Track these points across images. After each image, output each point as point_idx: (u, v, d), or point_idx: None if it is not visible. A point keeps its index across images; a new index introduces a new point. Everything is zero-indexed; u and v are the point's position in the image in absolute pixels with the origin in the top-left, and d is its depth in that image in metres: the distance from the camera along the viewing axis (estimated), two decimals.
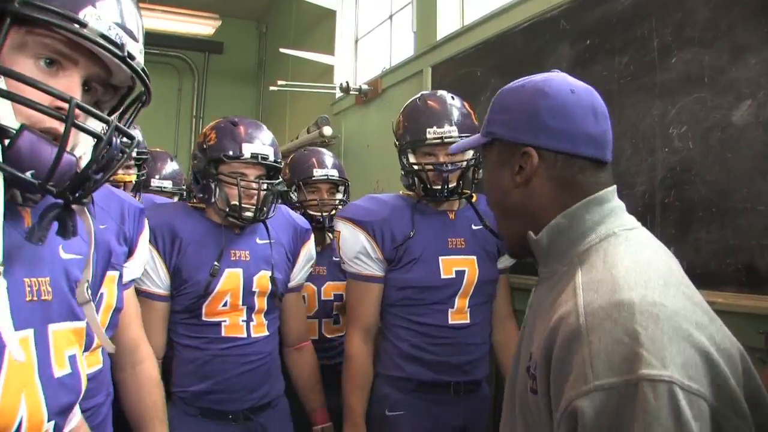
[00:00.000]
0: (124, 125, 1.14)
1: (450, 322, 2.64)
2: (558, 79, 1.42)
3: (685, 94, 2.50)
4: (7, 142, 0.96)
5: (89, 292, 1.20)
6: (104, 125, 1.07)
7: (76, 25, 1.00)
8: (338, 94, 6.18)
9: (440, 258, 2.67)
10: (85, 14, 1.01)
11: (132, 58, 1.08)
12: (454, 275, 2.66)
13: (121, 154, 1.09)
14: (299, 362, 2.96)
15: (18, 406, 1.02)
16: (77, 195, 1.05)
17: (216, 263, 2.58)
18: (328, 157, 3.57)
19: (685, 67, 2.51)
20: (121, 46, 1.06)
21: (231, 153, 2.58)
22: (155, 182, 3.96)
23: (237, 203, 2.56)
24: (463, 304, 2.68)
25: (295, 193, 3.44)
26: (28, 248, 1.08)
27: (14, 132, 0.97)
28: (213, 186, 2.60)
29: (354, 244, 2.70)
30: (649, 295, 1.09)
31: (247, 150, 2.59)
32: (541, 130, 1.35)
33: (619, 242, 1.27)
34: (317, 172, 3.42)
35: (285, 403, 2.87)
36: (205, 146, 2.65)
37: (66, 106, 0.98)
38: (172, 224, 2.62)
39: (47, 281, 1.12)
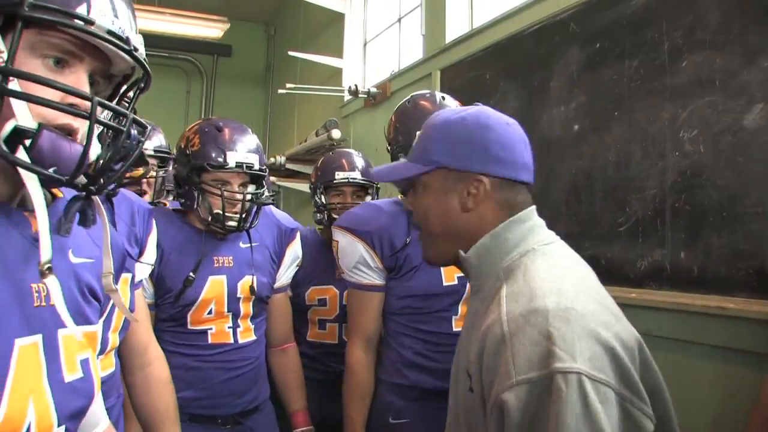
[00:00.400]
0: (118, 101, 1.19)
1: (454, 329, 2.58)
2: (491, 112, 1.58)
3: (696, 97, 2.49)
4: (28, 142, 0.98)
5: (113, 280, 1.20)
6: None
7: (83, 23, 1.02)
8: (347, 97, 6.17)
9: None
10: (90, 11, 1.02)
11: (136, 50, 1.11)
12: (456, 282, 2.57)
13: (137, 144, 1.12)
14: (283, 363, 2.94)
15: (26, 411, 1.02)
16: (99, 186, 1.08)
17: (191, 274, 2.53)
18: (356, 160, 3.50)
19: (696, 71, 2.50)
20: (126, 40, 1.08)
21: (215, 162, 2.52)
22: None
23: (220, 212, 2.51)
24: (467, 311, 2.64)
25: (322, 196, 3.42)
26: (36, 253, 1.07)
27: (34, 132, 0.99)
28: (195, 193, 2.55)
29: (352, 254, 2.62)
30: (562, 302, 1.26)
31: (232, 159, 2.52)
32: (491, 159, 1.50)
33: (537, 256, 1.44)
34: (339, 175, 3.38)
35: (271, 407, 2.87)
36: (188, 152, 2.59)
37: (77, 101, 1.02)
38: None
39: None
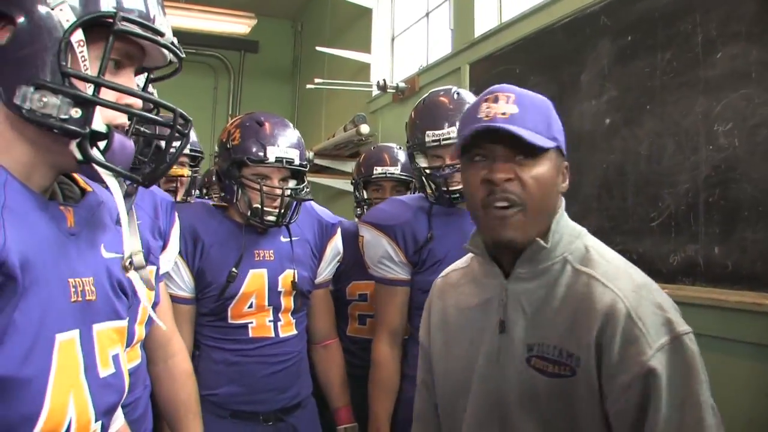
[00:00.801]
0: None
1: None
2: None
3: (731, 90, 2.45)
4: (102, 145, 1.07)
5: (145, 258, 1.25)
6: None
7: (159, 37, 1.13)
8: (375, 92, 6.17)
9: None
10: (155, 21, 1.12)
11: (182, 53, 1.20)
12: None
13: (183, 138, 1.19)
14: (326, 360, 2.92)
15: (67, 406, 1.04)
16: (152, 178, 1.18)
17: (234, 269, 2.53)
18: (397, 154, 3.51)
19: (730, 63, 2.46)
20: (178, 47, 1.18)
21: (255, 156, 2.52)
22: None
23: (259, 206, 2.51)
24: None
25: (363, 191, 3.41)
26: (72, 248, 1.11)
27: (106, 134, 1.07)
28: (235, 188, 2.55)
29: (377, 248, 2.64)
30: (643, 276, 1.50)
31: (272, 153, 2.51)
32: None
33: (589, 238, 1.60)
34: (377, 170, 3.38)
35: (314, 404, 2.85)
36: (228, 146, 2.59)
37: (132, 101, 1.12)
38: (193, 226, 2.57)
39: (91, 281, 1.15)
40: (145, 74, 1.27)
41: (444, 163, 2.56)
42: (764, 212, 2.32)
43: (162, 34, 1.12)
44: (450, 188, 2.54)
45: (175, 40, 1.17)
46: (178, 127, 1.13)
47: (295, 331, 2.71)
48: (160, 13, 1.14)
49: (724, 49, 2.50)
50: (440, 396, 1.78)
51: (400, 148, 3.58)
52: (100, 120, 1.06)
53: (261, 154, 2.51)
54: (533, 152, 1.49)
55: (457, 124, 2.52)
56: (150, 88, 1.39)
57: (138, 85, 1.23)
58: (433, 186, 2.60)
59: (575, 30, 3.36)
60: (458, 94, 2.69)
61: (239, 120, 2.68)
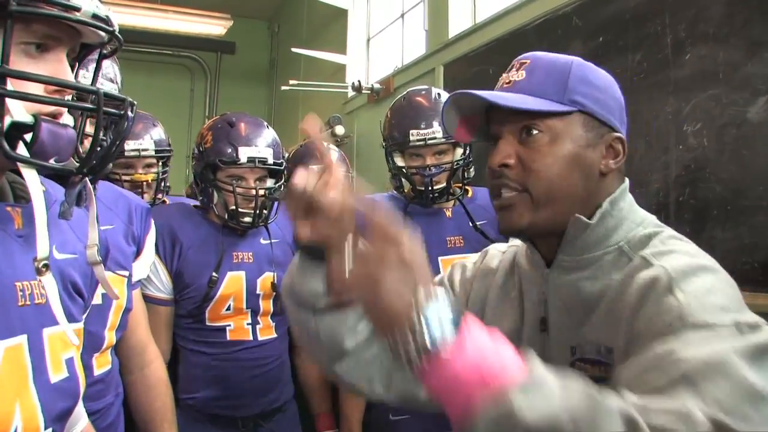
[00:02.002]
0: (93, 77, 1.16)
1: None
2: None
3: (700, 90, 2.48)
4: (28, 136, 0.98)
5: (99, 253, 1.16)
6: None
7: (76, 13, 1.00)
8: (350, 93, 6.18)
9: (439, 258, 2.57)
10: None
11: (113, 25, 1.09)
12: None
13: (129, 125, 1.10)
14: (307, 365, 2.85)
15: (12, 414, 1.00)
16: (94, 167, 1.07)
17: (214, 273, 2.50)
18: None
19: (699, 64, 2.49)
20: (108, 20, 1.06)
21: (227, 158, 2.47)
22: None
23: (235, 208, 2.48)
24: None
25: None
26: (19, 251, 1.06)
27: (32, 125, 0.97)
28: (211, 190, 2.52)
29: None
30: (714, 264, 1.12)
31: (244, 154, 2.47)
32: (624, 122, 1.30)
33: (657, 228, 1.25)
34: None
35: (295, 408, 2.81)
36: (201, 149, 2.57)
37: (61, 90, 1.02)
38: (172, 227, 2.54)
39: (39, 284, 1.09)
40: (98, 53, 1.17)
41: (424, 162, 2.57)
42: (733, 211, 2.35)
43: (77, 9, 1.00)
44: (434, 187, 2.55)
45: (109, 12, 1.07)
46: (111, 109, 1.05)
47: (274, 335, 2.67)
48: None
49: (692, 50, 2.53)
50: None
51: (329, 145, 3.57)
52: (22, 110, 0.97)
53: (233, 155, 2.48)
54: (543, 125, 1.23)
55: (438, 123, 2.53)
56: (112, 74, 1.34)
57: (93, 70, 1.16)
58: (413, 185, 2.61)
59: (548, 31, 3.39)
60: (439, 95, 2.69)
61: (212, 122, 2.66)
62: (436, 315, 0.85)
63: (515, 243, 1.50)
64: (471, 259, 1.60)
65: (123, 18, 7.46)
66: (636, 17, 2.80)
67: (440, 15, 4.70)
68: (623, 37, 2.86)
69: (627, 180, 1.30)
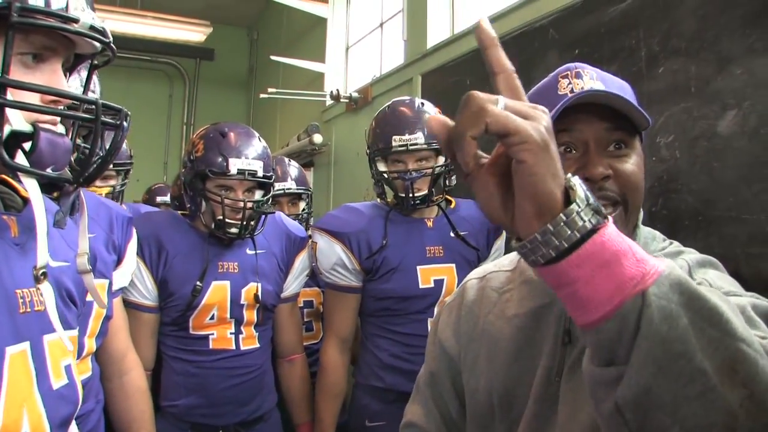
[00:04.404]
0: (84, 86, 1.18)
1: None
2: None
3: (672, 103, 2.52)
4: (28, 146, 0.99)
5: (89, 262, 1.18)
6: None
7: (74, 24, 1.03)
8: (328, 101, 6.19)
9: (418, 267, 2.62)
10: (68, 8, 1.02)
11: (108, 37, 1.11)
12: (432, 284, 2.61)
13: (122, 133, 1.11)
14: (290, 375, 2.89)
15: (21, 421, 1.00)
16: (88, 177, 1.08)
17: (198, 283, 2.51)
18: (287, 168, 3.55)
19: (672, 77, 2.53)
20: (104, 32, 1.08)
21: (217, 168, 2.49)
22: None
23: (222, 218, 2.49)
24: None
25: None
26: (17, 259, 1.07)
27: (31, 134, 0.99)
28: (199, 200, 2.53)
29: (331, 255, 2.64)
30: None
31: (234, 166, 2.49)
32: None
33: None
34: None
35: (277, 417, 2.82)
36: (192, 157, 2.57)
37: (57, 100, 1.03)
38: (158, 235, 2.54)
39: (38, 291, 1.09)
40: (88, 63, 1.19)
41: (406, 167, 2.59)
42: (703, 221, 2.39)
43: (75, 21, 1.03)
44: (414, 194, 2.57)
45: (104, 24, 1.10)
46: (107, 119, 1.07)
47: (257, 345, 2.68)
48: None
49: (666, 63, 2.57)
50: (470, 415, 1.45)
51: (290, 161, 3.62)
52: (21, 119, 0.99)
53: (223, 165, 2.49)
54: (627, 138, 1.27)
55: (422, 131, 2.57)
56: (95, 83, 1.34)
57: (83, 79, 1.18)
58: (395, 190, 2.63)
59: (525, 43, 3.42)
60: (422, 104, 2.72)
61: (204, 131, 2.65)
62: (585, 188, 0.79)
63: (506, 264, 1.50)
64: (450, 298, 1.60)
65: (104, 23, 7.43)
66: (611, 31, 2.84)
67: (419, 25, 4.73)
68: (598, 50, 2.90)
69: None
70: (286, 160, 3.63)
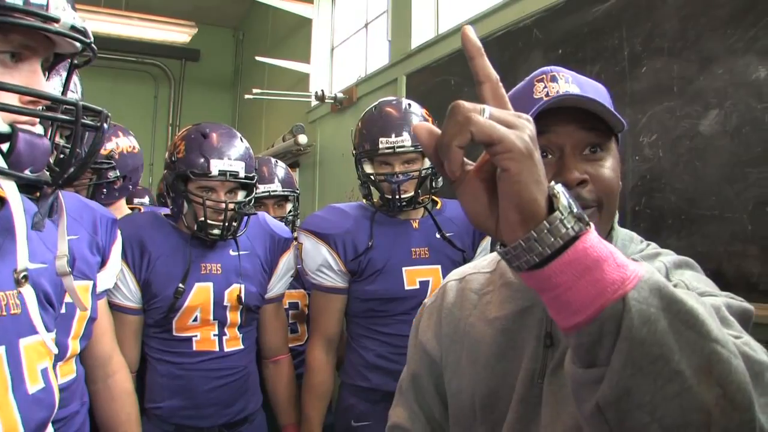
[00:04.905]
0: (64, 87, 1.16)
1: None
2: None
3: (655, 103, 2.53)
4: (5, 146, 0.97)
5: (69, 264, 1.17)
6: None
7: (55, 24, 1.01)
8: (314, 102, 6.19)
9: (404, 269, 2.60)
10: (54, 7, 1.01)
11: (89, 37, 1.09)
12: (418, 286, 2.60)
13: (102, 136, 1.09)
14: (275, 376, 2.87)
15: None
16: (67, 178, 1.06)
17: (181, 285, 2.49)
18: (274, 168, 3.52)
19: (654, 77, 2.55)
20: (85, 32, 1.07)
21: (198, 170, 2.46)
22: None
23: (204, 220, 2.47)
24: None
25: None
26: None
27: (9, 134, 0.97)
28: (181, 201, 2.51)
29: (316, 256, 2.63)
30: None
31: (215, 167, 2.46)
32: None
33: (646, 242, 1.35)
34: (258, 189, 3.22)
35: (262, 418, 2.81)
36: (173, 158, 2.55)
37: (36, 100, 1.01)
38: (141, 236, 2.53)
39: (14, 294, 1.08)
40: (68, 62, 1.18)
41: (393, 170, 2.58)
42: (687, 220, 2.40)
43: (56, 20, 1.01)
44: (401, 196, 2.57)
45: (86, 24, 1.08)
46: (88, 121, 1.05)
47: (241, 346, 2.67)
48: None
49: (648, 63, 2.58)
50: (453, 417, 1.46)
51: (277, 162, 3.61)
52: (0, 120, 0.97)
53: (205, 166, 2.47)
54: (603, 141, 1.26)
55: (409, 133, 2.57)
56: (76, 85, 1.33)
57: (65, 78, 1.17)
58: (381, 192, 2.63)
59: (509, 43, 3.43)
60: (410, 105, 2.71)
61: (185, 132, 2.63)
62: (568, 195, 0.79)
63: (486, 266, 1.50)
64: (429, 300, 1.63)
65: (86, 24, 7.41)
66: (594, 31, 2.85)
67: (403, 26, 4.73)
68: (582, 50, 2.91)
69: None
70: (273, 160, 3.59)
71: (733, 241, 2.24)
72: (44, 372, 1.14)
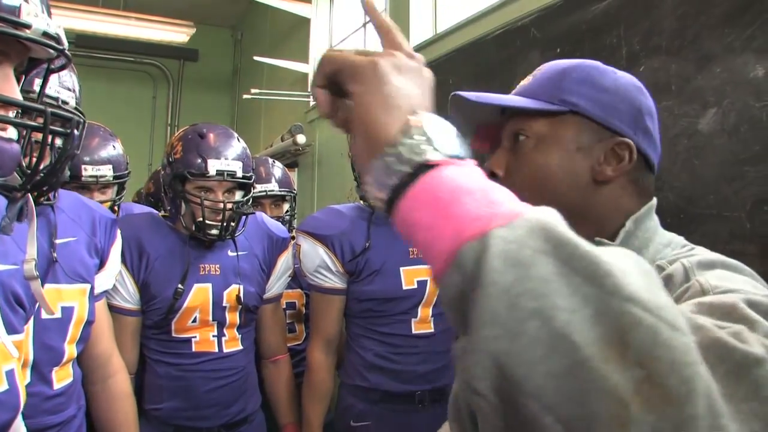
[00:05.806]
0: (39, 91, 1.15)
1: (413, 331, 2.59)
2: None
3: (654, 101, 2.53)
4: None
5: (36, 268, 1.15)
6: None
7: (26, 30, 0.99)
8: (312, 102, 6.16)
9: (401, 269, 2.61)
10: (26, 13, 0.99)
11: (62, 44, 1.07)
12: (416, 285, 2.60)
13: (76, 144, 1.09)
14: (274, 376, 2.87)
15: None
16: (36, 183, 1.06)
17: (180, 285, 2.49)
18: (271, 168, 3.52)
19: (652, 75, 2.54)
20: (58, 38, 1.05)
21: (195, 170, 2.46)
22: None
23: (201, 220, 2.47)
24: (427, 314, 2.63)
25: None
26: None
27: None
28: (179, 201, 2.51)
29: (314, 257, 2.63)
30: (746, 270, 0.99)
31: (213, 167, 2.46)
32: (641, 127, 1.16)
33: (687, 248, 1.14)
34: (255, 189, 3.20)
35: (261, 418, 2.81)
36: (171, 159, 2.54)
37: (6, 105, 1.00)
38: (139, 238, 2.52)
39: None
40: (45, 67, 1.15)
41: None
42: (685, 219, 2.40)
43: (27, 26, 0.99)
44: None
45: (60, 30, 1.05)
46: (57, 128, 1.05)
47: (240, 347, 2.66)
48: (33, 2, 1.01)
49: (646, 62, 2.58)
50: None
51: (274, 161, 3.62)
52: None
53: (202, 167, 2.46)
54: (530, 130, 1.15)
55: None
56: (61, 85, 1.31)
57: (46, 82, 1.14)
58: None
59: (507, 42, 3.43)
60: None
61: (182, 132, 2.63)
62: (439, 128, 0.69)
63: None
64: None
65: (84, 24, 7.40)
66: (592, 29, 2.85)
67: (401, 25, 4.69)
68: (580, 49, 2.91)
69: (654, 198, 1.20)
70: (270, 160, 3.60)
71: (731, 240, 2.24)
72: (9, 374, 1.13)
